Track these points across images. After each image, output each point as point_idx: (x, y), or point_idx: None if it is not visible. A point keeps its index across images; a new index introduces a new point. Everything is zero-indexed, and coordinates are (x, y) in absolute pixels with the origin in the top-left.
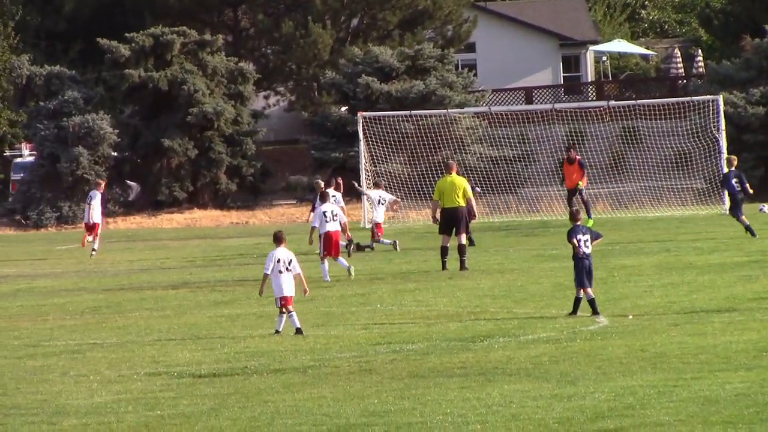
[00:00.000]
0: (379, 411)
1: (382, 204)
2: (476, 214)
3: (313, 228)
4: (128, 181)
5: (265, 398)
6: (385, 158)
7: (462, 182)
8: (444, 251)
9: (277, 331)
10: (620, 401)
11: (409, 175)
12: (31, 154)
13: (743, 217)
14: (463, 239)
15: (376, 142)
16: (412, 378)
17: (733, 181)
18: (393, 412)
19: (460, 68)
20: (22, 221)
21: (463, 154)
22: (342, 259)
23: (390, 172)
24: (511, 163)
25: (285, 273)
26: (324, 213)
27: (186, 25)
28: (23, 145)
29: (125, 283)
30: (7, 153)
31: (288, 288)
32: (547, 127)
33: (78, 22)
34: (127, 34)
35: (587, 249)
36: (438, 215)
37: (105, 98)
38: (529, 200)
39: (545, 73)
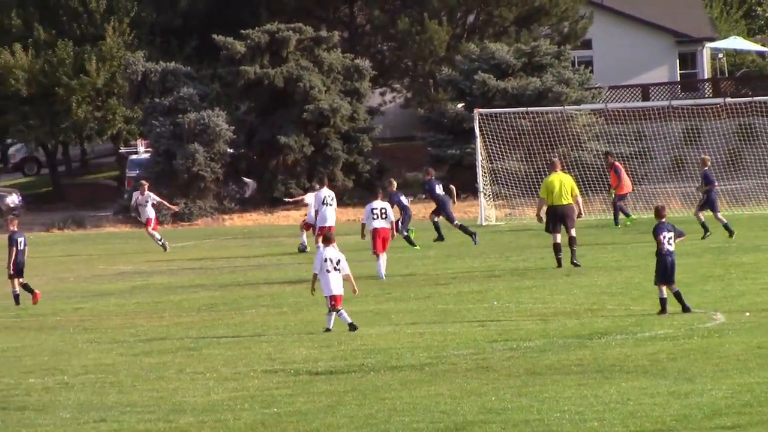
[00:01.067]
0: (497, 408)
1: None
2: (584, 212)
3: (363, 224)
4: (244, 178)
5: (382, 395)
6: (502, 155)
7: (569, 180)
8: (557, 248)
9: (327, 329)
10: (737, 398)
11: (525, 172)
12: (146, 151)
13: (716, 215)
14: (574, 232)
15: (493, 138)
16: (530, 375)
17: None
18: (510, 409)
19: (576, 65)
20: (138, 218)
21: (580, 151)
22: (381, 263)
23: (506, 169)
24: (627, 160)
25: (333, 272)
26: (372, 209)
27: (301, 21)
28: (139, 141)
29: (241, 279)
30: (123, 150)
31: (336, 287)
32: (664, 124)
33: (193, 18)
34: (242, 31)
35: (671, 246)
36: (543, 213)
37: (220, 95)
38: (645, 197)
39: (661, 70)
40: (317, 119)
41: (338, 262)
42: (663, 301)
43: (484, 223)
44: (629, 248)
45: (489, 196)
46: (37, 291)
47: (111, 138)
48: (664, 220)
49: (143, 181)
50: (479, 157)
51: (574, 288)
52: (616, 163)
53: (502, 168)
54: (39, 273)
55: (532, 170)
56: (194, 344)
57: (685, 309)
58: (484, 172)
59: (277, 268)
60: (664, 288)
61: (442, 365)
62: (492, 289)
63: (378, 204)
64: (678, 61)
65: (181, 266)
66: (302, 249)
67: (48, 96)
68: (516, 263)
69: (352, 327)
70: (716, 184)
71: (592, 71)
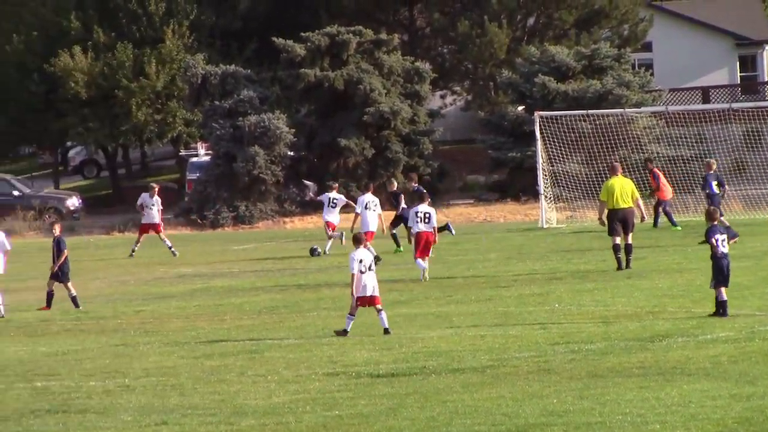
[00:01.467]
0: (558, 411)
1: (333, 206)
2: (646, 215)
3: (409, 228)
4: (305, 181)
5: (444, 398)
6: (562, 158)
7: (630, 184)
8: (616, 249)
9: (345, 331)
10: None
11: (586, 174)
12: (206, 154)
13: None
14: (630, 238)
15: (553, 141)
16: (591, 378)
17: (713, 183)
18: (572, 411)
19: (636, 68)
20: (199, 221)
21: (640, 154)
22: (420, 261)
23: (567, 172)
24: (688, 163)
25: (368, 273)
26: (417, 213)
27: (362, 24)
28: (199, 144)
29: (302, 282)
30: (183, 152)
31: (371, 287)
32: (724, 126)
33: (253, 20)
34: (302, 34)
35: (725, 248)
36: (605, 217)
37: (280, 97)
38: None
39: (722, 72)
40: (377, 122)
41: (370, 262)
42: (722, 304)
43: (545, 226)
44: (690, 251)
45: (550, 198)
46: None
47: (171, 141)
48: (716, 222)
49: (153, 184)
50: (540, 160)
51: (635, 290)
52: (655, 170)
53: (562, 170)
54: (100, 276)
55: (592, 173)
56: (255, 347)
57: (724, 313)
58: (545, 175)
59: (338, 270)
60: (723, 290)
61: (504, 368)
62: (553, 291)
63: (423, 208)
64: (738, 63)
65: (242, 269)
66: (314, 251)
67: (107, 99)
68: (577, 265)
69: (387, 331)
70: (713, 191)
71: (652, 74)
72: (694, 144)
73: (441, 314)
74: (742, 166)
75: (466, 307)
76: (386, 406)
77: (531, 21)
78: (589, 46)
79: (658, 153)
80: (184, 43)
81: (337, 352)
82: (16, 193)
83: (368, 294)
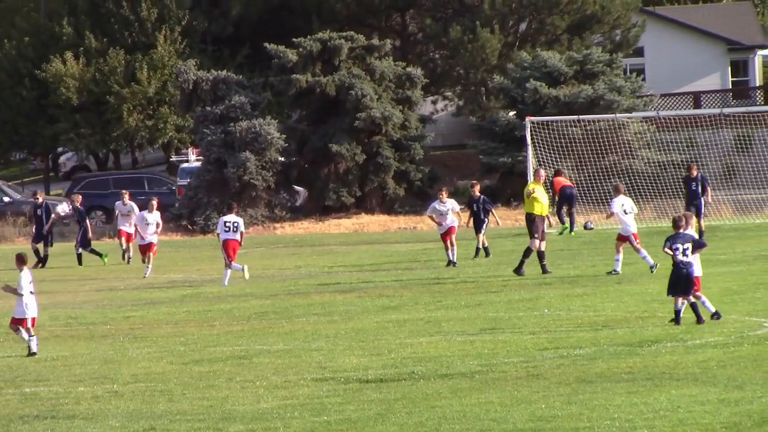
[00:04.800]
0: (547, 416)
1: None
2: (553, 222)
3: (218, 234)
4: (295, 187)
5: (432, 403)
6: (553, 163)
7: (542, 191)
8: (539, 256)
9: (33, 353)
10: None
11: (576, 180)
12: (197, 160)
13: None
14: (543, 246)
15: (544, 146)
16: (580, 383)
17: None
18: (560, 417)
19: (628, 73)
20: (189, 226)
21: (631, 159)
22: (236, 264)
23: None
24: (679, 168)
25: (33, 294)
26: (225, 222)
27: (353, 29)
28: (190, 150)
29: (292, 288)
30: (174, 158)
31: (36, 308)
32: (715, 131)
33: (245, 26)
34: (294, 39)
35: (686, 257)
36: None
37: (272, 103)
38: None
39: (713, 77)
40: (369, 127)
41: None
42: (677, 314)
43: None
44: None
45: None
46: None
47: (162, 146)
48: (681, 231)
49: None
50: (530, 165)
51: (624, 296)
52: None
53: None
54: (89, 282)
55: (583, 178)
56: (244, 353)
57: (699, 321)
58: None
59: (328, 276)
60: (679, 300)
61: (493, 373)
62: (543, 297)
63: (231, 218)
64: (730, 68)
65: (232, 275)
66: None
67: (99, 104)
68: (567, 271)
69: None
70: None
71: (644, 79)
72: (685, 149)
73: (430, 320)
74: (733, 171)
75: (455, 313)
76: (375, 412)
77: (523, 26)
78: (581, 52)
79: (649, 158)
80: (175, 48)
81: (326, 358)
82: (6, 199)
83: (35, 315)
